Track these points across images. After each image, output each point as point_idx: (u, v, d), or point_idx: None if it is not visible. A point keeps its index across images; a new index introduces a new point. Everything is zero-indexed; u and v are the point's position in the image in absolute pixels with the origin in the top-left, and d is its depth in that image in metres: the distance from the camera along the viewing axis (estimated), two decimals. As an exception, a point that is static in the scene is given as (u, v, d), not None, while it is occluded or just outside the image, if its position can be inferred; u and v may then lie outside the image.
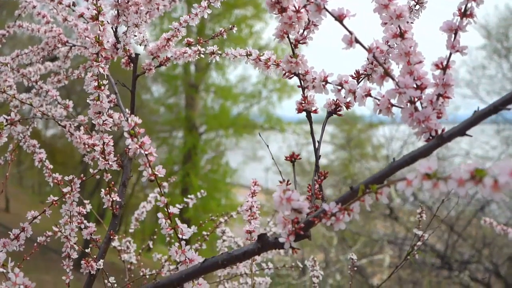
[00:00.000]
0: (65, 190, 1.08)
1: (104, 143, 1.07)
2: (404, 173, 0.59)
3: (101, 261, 1.11)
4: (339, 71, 0.85)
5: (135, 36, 1.18)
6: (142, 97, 10.41)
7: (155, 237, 1.91)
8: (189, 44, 1.23)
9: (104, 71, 0.99)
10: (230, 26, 1.26)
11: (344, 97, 0.83)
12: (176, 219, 0.79)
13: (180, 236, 0.79)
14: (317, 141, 0.85)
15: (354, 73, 0.85)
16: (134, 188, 10.26)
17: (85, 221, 1.15)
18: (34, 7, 1.44)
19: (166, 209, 0.79)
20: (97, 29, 0.97)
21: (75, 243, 1.12)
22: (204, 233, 1.62)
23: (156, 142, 10.55)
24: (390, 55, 0.76)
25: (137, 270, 1.67)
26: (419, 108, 0.69)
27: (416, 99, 0.68)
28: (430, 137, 0.67)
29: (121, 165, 1.18)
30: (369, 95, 0.77)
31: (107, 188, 1.12)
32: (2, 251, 1.00)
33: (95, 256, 1.12)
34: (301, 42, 0.83)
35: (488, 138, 8.75)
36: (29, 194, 13.46)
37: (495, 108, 0.60)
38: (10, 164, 1.39)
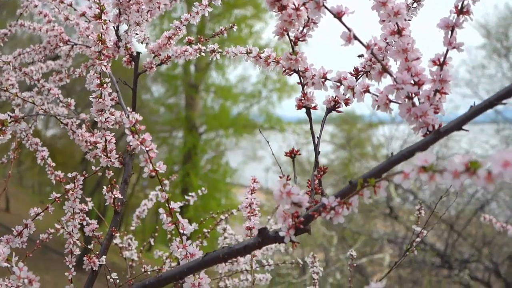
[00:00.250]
0: (67, 187, 1.10)
1: (106, 140, 1.08)
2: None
3: (103, 257, 1.12)
4: (338, 69, 0.86)
5: (137, 34, 1.19)
6: (142, 97, 10.42)
7: (156, 234, 1.92)
8: (189, 43, 1.25)
9: (106, 69, 1.00)
10: (230, 25, 1.28)
11: (343, 94, 0.84)
12: (177, 214, 0.81)
13: (181, 231, 0.80)
14: (317, 137, 0.87)
15: (353, 70, 0.87)
16: (134, 188, 10.27)
17: (87, 218, 1.16)
18: (35, 6, 1.45)
19: (167, 205, 0.80)
20: (100, 28, 0.98)
21: (77, 239, 1.13)
22: (205, 230, 1.64)
23: (156, 142, 10.53)
24: (388, 52, 0.77)
25: (138, 268, 1.68)
26: (417, 103, 0.70)
27: (413, 95, 0.70)
28: (428, 132, 0.68)
29: (122, 162, 1.19)
30: (367, 91, 0.78)
31: (109, 185, 1.13)
32: (5, 247, 1.01)
33: (97, 253, 1.13)
34: (300, 39, 0.85)
35: (488, 137, 8.77)
36: (29, 194, 13.47)
37: (490, 104, 0.61)
38: (12, 162, 1.40)
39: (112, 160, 1.09)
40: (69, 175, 1.11)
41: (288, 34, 0.82)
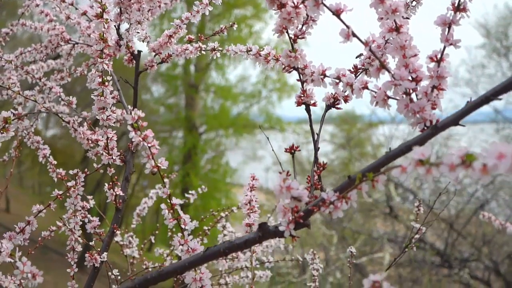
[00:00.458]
0: (69, 184, 1.11)
1: (107, 138, 1.10)
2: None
3: (105, 254, 1.13)
4: (337, 66, 0.87)
5: (138, 33, 1.21)
6: (142, 97, 10.42)
7: (156, 232, 1.93)
8: (190, 41, 1.26)
9: (108, 67, 1.01)
10: (230, 24, 1.29)
11: (342, 91, 0.85)
12: (179, 209, 0.82)
13: (182, 226, 0.81)
14: (316, 133, 0.88)
15: (352, 68, 0.88)
16: (134, 188, 10.28)
17: (88, 215, 1.17)
18: (37, 5, 1.46)
19: (169, 200, 0.81)
20: (102, 27, 0.99)
21: (79, 236, 1.14)
22: (205, 227, 1.65)
23: (156, 142, 10.52)
24: (387, 49, 0.78)
25: (139, 265, 1.69)
26: (414, 99, 0.71)
27: (411, 91, 0.71)
28: (425, 127, 0.69)
29: (123, 160, 1.20)
30: (366, 87, 0.79)
31: (111, 183, 1.14)
32: (9, 243, 1.02)
33: (99, 249, 1.14)
34: (300, 37, 0.86)
35: (487, 137, 8.79)
36: (29, 195, 13.47)
37: (486, 99, 0.62)
38: (14, 161, 1.41)
39: (114, 157, 1.11)
40: (71, 172, 1.12)
41: (287, 32, 0.83)
